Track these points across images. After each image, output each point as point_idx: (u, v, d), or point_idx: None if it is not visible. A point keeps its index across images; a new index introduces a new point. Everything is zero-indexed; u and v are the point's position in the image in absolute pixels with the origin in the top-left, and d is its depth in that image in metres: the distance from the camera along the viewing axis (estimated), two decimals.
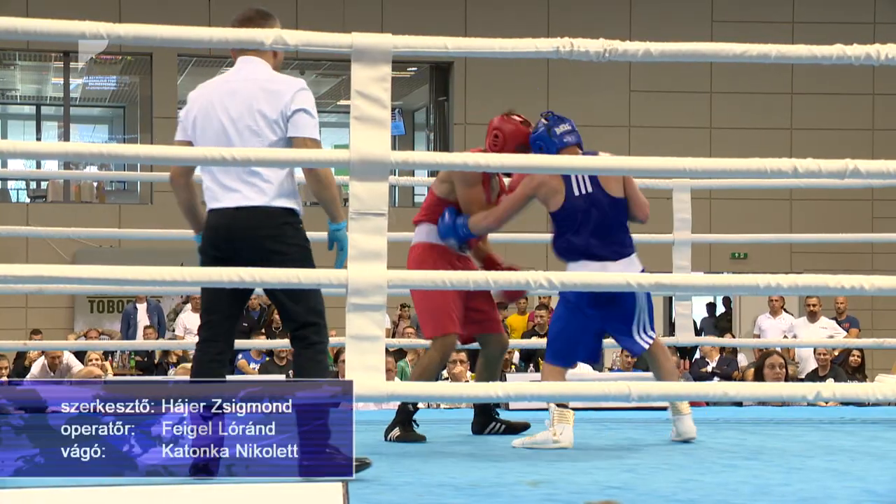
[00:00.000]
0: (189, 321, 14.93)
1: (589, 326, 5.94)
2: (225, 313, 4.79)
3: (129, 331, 15.20)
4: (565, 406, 5.75)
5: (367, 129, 4.32)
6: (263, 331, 15.18)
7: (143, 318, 15.23)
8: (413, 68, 20.41)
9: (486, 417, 6.46)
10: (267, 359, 13.39)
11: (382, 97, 4.33)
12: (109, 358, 14.10)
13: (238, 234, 4.68)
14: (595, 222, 5.87)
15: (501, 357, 6.51)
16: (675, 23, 18.42)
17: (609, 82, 18.59)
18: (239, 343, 13.37)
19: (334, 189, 4.76)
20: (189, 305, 15.31)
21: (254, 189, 4.66)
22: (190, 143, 4.76)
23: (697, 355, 13.83)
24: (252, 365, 13.44)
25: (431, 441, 6.08)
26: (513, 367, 13.57)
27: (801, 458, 5.40)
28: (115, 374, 12.78)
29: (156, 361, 14.20)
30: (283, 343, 11.59)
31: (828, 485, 4.55)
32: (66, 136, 19.28)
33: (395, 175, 7.97)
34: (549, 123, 5.97)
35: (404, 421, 6.15)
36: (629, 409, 7.37)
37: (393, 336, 14.26)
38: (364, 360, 4.24)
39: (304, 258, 4.70)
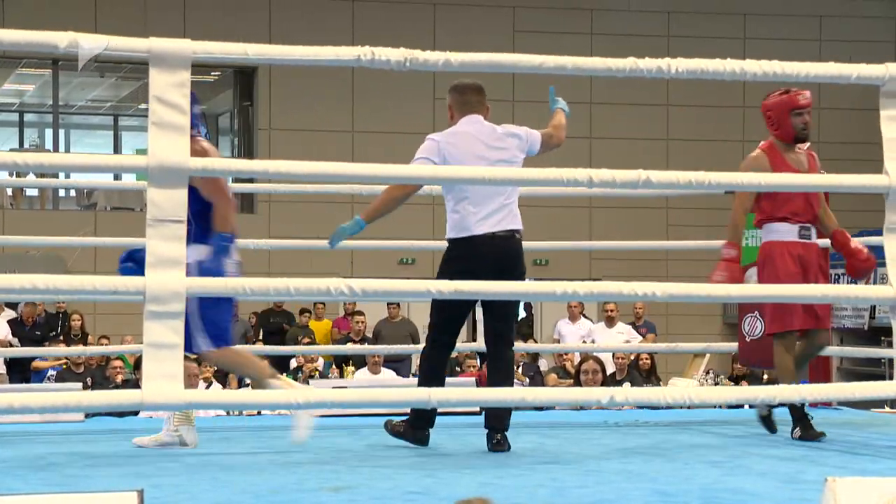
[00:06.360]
0: None
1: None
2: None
3: None
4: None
5: (166, 134, 4.25)
6: (62, 338, 14.83)
7: None
8: (216, 73, 20.19)
9: None
10: (64, 366, 13.10)
11: (181, 103, 4.27)
12: None
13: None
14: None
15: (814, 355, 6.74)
16: (478, 33, 18.64)
17: (414, 90, 18.69)
18: (36, 350, 13.14)
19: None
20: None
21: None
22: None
23: None
24: (50, 372, 13.14)
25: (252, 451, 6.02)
26: (317, 372, 13.52)
27: (598, 460, 5.52)
28: None
29: None
30: (81, 350, 11.36)
31: (622, 486, 4.68)
32: None
33: None
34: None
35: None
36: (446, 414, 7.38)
37: None
38: (162, 368, 4.18)
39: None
